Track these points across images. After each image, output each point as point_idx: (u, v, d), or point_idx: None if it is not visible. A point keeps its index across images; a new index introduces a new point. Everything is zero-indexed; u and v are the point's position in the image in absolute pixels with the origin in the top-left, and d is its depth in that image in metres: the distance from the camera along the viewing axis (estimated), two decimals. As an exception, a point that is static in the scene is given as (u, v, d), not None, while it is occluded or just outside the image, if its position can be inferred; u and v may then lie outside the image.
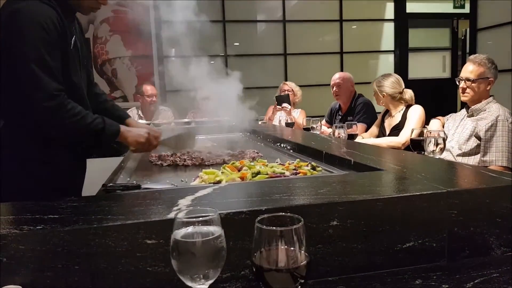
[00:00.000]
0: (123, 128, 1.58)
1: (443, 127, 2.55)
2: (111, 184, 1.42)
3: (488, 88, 2.34)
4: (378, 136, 3.11)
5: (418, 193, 0.95)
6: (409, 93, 3.01)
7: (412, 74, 6.24)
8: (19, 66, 1.34)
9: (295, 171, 1.52)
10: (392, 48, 6.26)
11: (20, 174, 1.45)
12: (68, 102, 1.40)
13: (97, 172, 1.67)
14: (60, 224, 0.81)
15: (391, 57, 6.29)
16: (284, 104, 3.84)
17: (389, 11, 6.22)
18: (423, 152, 1.92)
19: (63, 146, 1.51)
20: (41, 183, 1.45)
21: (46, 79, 1.35)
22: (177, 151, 2.01)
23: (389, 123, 3.06)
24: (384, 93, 2.99)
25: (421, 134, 2.11)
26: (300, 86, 4.33)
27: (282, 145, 2.24)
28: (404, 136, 2.77)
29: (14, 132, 1.46)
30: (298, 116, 4.01)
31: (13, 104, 1.43)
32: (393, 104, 3.02)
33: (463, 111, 2.46)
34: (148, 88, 4.23)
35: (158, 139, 1.70)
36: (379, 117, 3.24)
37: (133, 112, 4.25)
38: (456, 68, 6.31)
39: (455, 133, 2.41)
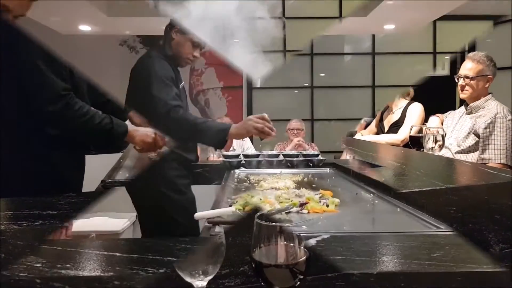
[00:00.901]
0: (131, 127, 1.60)
1: (442, 124, 2.55)
2: (109, 180, 1.42)
3: (487, 85, 2.34)
4: (377, 133, 3.11)
5: (417, 190, 0.95)
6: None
7: (412, 72, 6.22)
8: (25, 66, 1.39)
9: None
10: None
11: (19, 172, 1.44)
12: (75, 102, 1.43)
13: (96, 168, 1.66)
14: (58, 219, 0.81)
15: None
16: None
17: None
18: (422, 149, 1.92)
19: (62, 144, 1.50)
20: (40, 182, 1.44)
21: (53, 79, 1.38)
22: None
23: (388, 120, 3.06)
24: None
25: (420, 131, 2.11)
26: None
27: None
28: (403, 133, 2.77)
29: (12, 130, 1.45)
30: None
31: (16, 104, 1.44)
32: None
33: (462, 108, 2.45)
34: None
35: (164, 140, 1.72)
36: (378, 114, 3.24)
37: None
38: (455, 66, 6.30)
39: (453, 130, 2.41)
